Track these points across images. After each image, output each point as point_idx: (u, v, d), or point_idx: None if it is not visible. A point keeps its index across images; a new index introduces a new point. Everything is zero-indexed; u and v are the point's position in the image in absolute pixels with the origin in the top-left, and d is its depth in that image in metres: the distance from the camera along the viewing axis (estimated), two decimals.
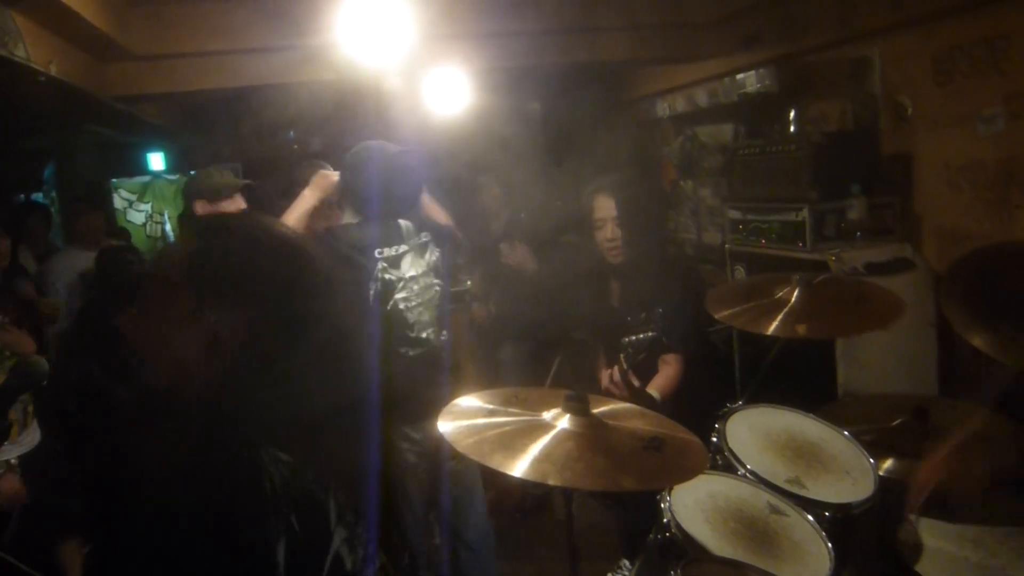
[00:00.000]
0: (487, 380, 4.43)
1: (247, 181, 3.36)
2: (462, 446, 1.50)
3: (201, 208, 3.30)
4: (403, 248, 3.04)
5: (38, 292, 4.45)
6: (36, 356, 3.18)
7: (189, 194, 3.42)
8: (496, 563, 3.98)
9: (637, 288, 3.17)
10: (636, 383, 2.72)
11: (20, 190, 7.44)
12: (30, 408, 3.45)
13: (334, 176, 3.04)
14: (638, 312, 2.84)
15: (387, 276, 2.98)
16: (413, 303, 3.01)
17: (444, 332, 3.11)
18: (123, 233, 7.04)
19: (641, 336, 2.58)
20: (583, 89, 6.00)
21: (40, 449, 3.48)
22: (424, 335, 3.03)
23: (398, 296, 2.98)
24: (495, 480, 4.47)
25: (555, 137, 5.95)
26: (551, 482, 1.39)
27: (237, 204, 3.39)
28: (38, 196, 7.48)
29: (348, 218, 3.08)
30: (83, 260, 4.45)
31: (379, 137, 3.33)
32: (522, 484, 4.41)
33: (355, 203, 3.03)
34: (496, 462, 1.43)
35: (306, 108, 5.67)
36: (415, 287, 3.02)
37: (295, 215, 3.02)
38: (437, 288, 3.10)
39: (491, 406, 1.66)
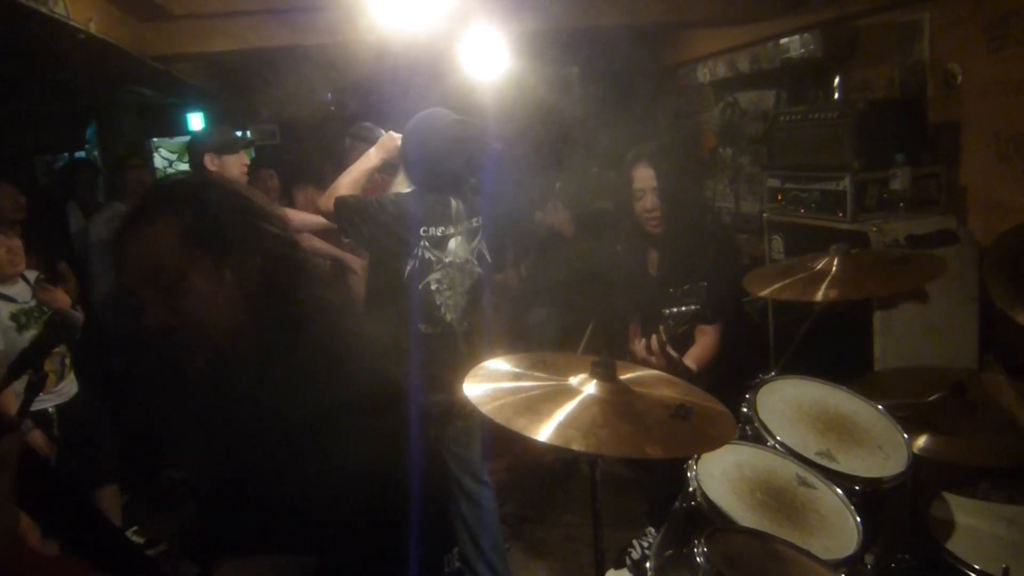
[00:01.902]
0: (516, 345, 4.44)
1: (251, 140, 3.52)
2: (486, 409, 1.50)
3: (209, 161, 3.42)
4: (450, 230, 2.92)
5: (83, 247, 4.54)
6: (70, 310, 3.26)
7: (197, 147, 3.53)
8: (526, 528, 4.03)
9: (676, 258, 3.14)
10: (674, 355, 2.69)
11: (64, 149, 7.58)
12: (68, 360, 3.54)
13: (399, 139, 3.01)
14: (677, 282, 2.80)
15: (427, 255, 2.89)
16: (444, 286, 2.94)
17: (470, 319, 3.04)
18: None
19: (683, 308, 2.54)
20: (623, 54, 5.89)
21: (77, 400, 3.58)
22: (447, 318, 2.96)
23: (432, 276, 2.90)
24: (525, 446, 4.50)
25: (594, 103, 5.87)
26: (575, 447, 1.38)
27: (242, 160, 3.52)
28: (81, 155, 7.60)
29: (401, 185, 3.01)
30: None
31: (418, 101, 3.31)
32: (550, 451, 4.47)
33: (408, 171, 2.96)
34: (520, 426, 1.42)
35: (343, 70, 5.66)
36: (451, 271, 2.93)
37: (356, 173, 3.02)
38: (476, 275, 3.02)
39: (518, 370, 1.65)
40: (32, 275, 3.53)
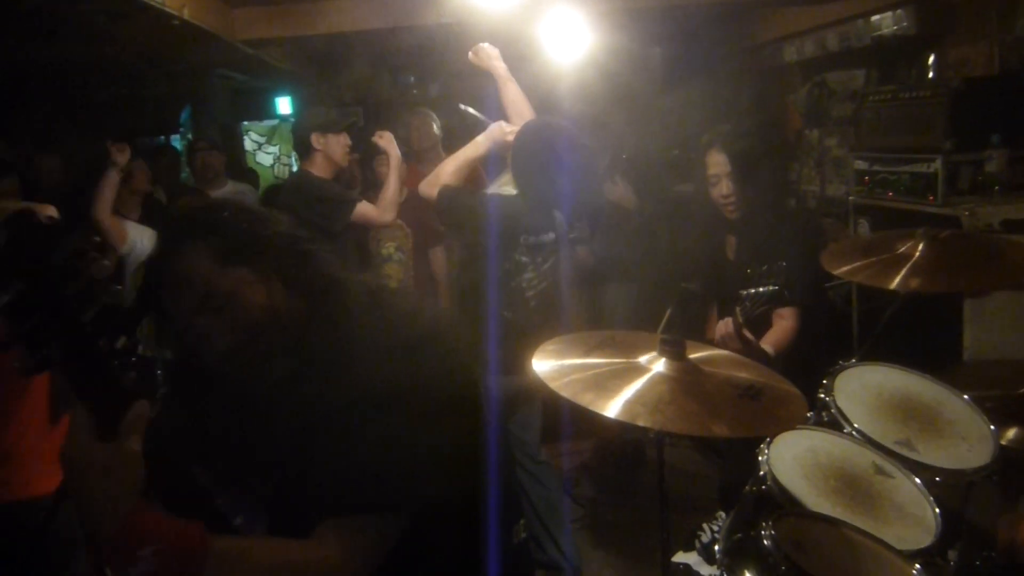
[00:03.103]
0: (590, 325, 4.44)
1: (353, 119, 3.60)
2: (555, 385, 1.51)
3: (316, 141, 3.49)
4: (549, 237, 2.89)
5: None
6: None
7: (304, 127, 3.62)
8: (598, 509, 4.04)
9: (754, 242, 3.08)
10: (750, 337, 2.64)
11: (160, 132, 7.90)
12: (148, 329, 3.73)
13: (511, 133, 2.97)
14: (756, 266, 2.74)
15: (522, 259, 2.87)
16: (535, 282, 2.92)
17: (551, 303, 3.03)
18: (251, 174, 7.36)
19: (761, 289, 2.48)
20: (707, 33, 5.78)
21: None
22: (531, 305, 2.95)
23: (524, 276, 2.88)
24: (605, 428, 4.50)
25: (676, 84, 5.78)
26: (640, 423, 1.39)
27: (344, 140, 3.59)
28: (175, 139, 7.91)
29: (506, 183, 2.97)
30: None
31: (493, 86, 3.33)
32: (620, 433, 4.45)
33: (517, 177, 2.90)
34: (587, 401, 1.43)
35: (425, 52, 5.73)
36: (544, 268, 2.92)
37: (460, 161, 2.99)
38: (560, 264, 2.99)
39: (586, 347, 1.66)
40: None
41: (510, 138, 2.95)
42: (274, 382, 1.27)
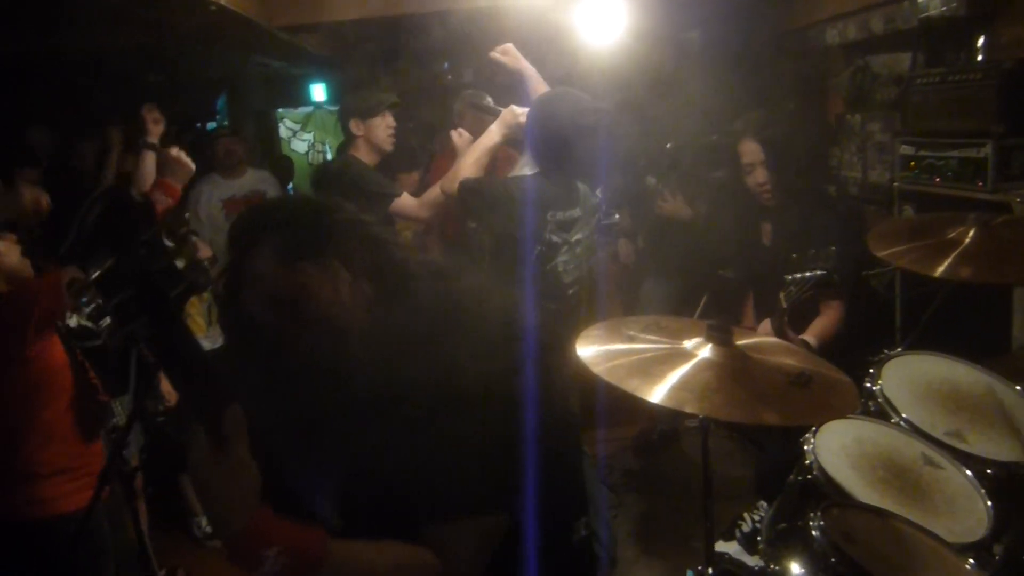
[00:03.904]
0: (628, 314, 4.39)
1: (395, 99, 3.50)
2: (599, 370, 1.48)
3: (355, 127, 3.44)
4: (576, 212, 2.84)
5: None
6: (203, 261, 3.46)
7: (343, 113, 3.56)
8: (631, 498, 4.01)
9: (791, 229, 3.03)
10: (792, 335, 2.57)
11: (196, 119, 7.97)
12: (213, 310, 3.77)
13: (523, 115, 2.91)
14: (799, 251, 2.67)
15: (553, 238, 2.81)
16: (571, 266, 2.88)
17: (589, 291, 3.00)
18: (286, 162, 7.40)
19: (808, 274, 2.42)
20: (746, 16, 5.67)
21: (218, 352, 3.79)
22: (571, 292, 2.91)
23: (559, 259, 2.83)
24: (636, 417, 4.48)
25: (713, 69, 5.69)
26: (688, 410, 1.36)
27: (388, 122, 3.52)
28: (211, 125, 7.98)
29: (524, 166, 2.91)
30: (224, 188, 4.57)
31: (535, 69, 3.28)
32: (656, 421, 4.42)
33: (535, 154, 2.83)
34: (632, 387, 1.40)
35: (459, 38, 5.69)
36: (577, 250, 2.87)
37: (478, 153, 2.94)
38: (596, 249, 2.96)
39: (631, 332, 1.63)
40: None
41: (523, 119, 2.90)
42: (349, 373, 1.27)
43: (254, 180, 4.72)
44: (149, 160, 3.54)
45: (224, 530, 1.04)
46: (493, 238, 3.13)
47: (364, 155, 3.51)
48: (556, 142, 2.73)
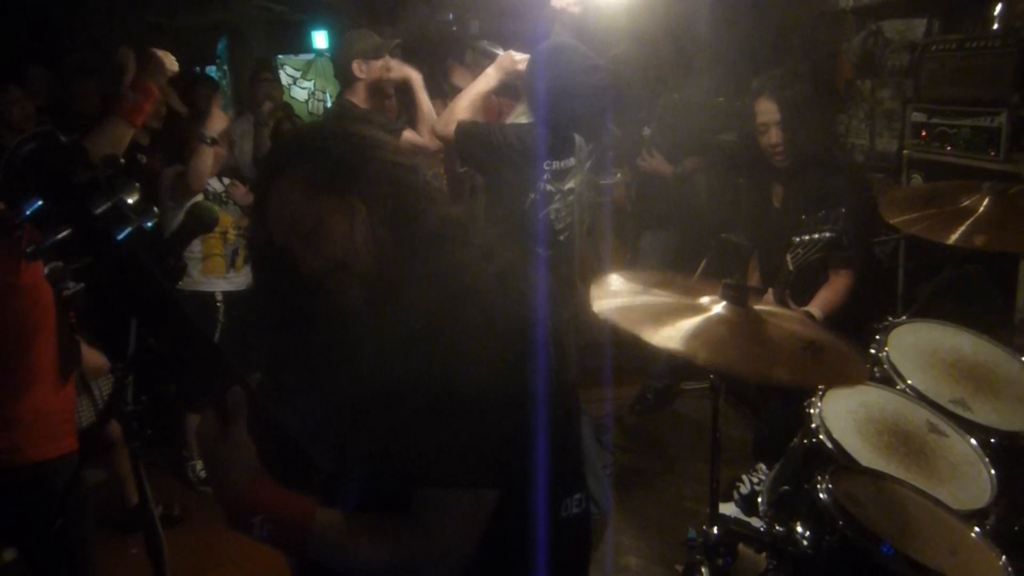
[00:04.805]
0: (626, 268, 4.38)
1: (397, 40, 3.45)
2: (610, 314, 1.46)
3: (357, 69, 3.37)
4: (571, 162, 2.85)
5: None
6: (211, 204, 3.45)
7: (346, 55, 3.45)
8: (627, 458, 4.03)
9: (803, 192, 2.99)
10: (793, 307, 2.55)
11: (196, 63, 7.84)
12: (241, 250, 3.75)
13: (521, 62, 2.90)
14: (810, 212, 2.65)
15: (548, 187, 2.82)
16: (564, 214, 2.88)
17: (584, 240, 2.99)
18: (286, 108, 7.30)
19: (817, 236, 2.39)
20: None
21: (246, 293, 3.80)
22: (561, 238, 2.92)
23: (552, 207, 2.84)
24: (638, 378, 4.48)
25: (722, 29, 5.60)
26: (699, 360, 1.34)
27: (388, 64, 3.45)
28: (211, 69, 7.85)
29: (521, 114, 2.91)
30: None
31: (539, 21, 3.21)
32: (649, 378, 4.42)
33: (532, 104, 2.82)
34: (645, 333, 1.37)
35: None
36: (570, 198, 2.88)
37: (473, 95, 2.93)
38: (590, 197, 2.97)
39: (644, 285, 1.60)
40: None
41: (521, 67, 2.88)
42: (350, 314, 1.27)
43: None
44: (207, 154, 3.49)
45: (221, 497, 1.14)
46: (486, 183, 3.11)
47: (362, 100, 3.45)
48: (554, 95, 2.72)
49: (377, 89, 3.47)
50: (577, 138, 2.84)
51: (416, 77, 3.52)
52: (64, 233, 0.98)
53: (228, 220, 3.82)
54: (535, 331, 1.22)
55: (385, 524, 1.18)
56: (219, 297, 3.76)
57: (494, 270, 1.27)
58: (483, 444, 1.15)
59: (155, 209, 1.13)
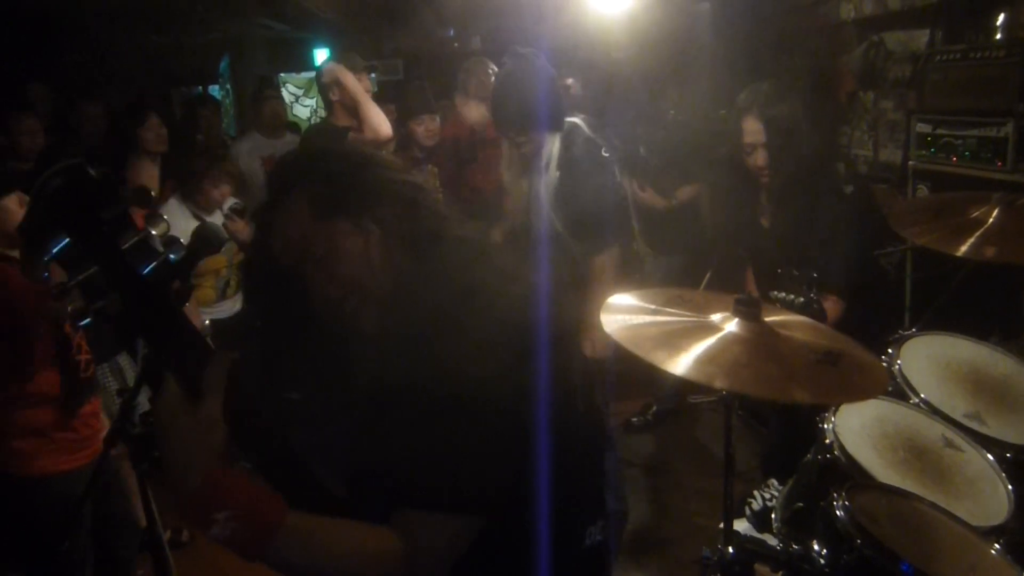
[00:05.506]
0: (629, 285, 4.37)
1: (372, 63, 3.61)
2: (622, 340, 1.44)
3: (331, 93, 3.55)
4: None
5: None
6: (218, 226, 3.41)
7: (320, 83, 3.62)
8: (633, 470, 4.00)
9: (791, 214, 2.93)
10: None
11: (199, 82, 7.87)
12: (232, 279, 3.73)
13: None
14: (792, 241, 2.60)
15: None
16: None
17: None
18: (290, 127, 7.32)
19: (792, 297, 2.33)
20: None
21: (235, 319, 3.77)
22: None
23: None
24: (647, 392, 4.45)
25: (724, 42, 5.60)
26: (717, 385, 1.32)
27: (365, 84, 3.56)
28: (214, 88, 7.87)
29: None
30: (265, 146, 4.64)
31: (535, 37, 3.24)
32: (654, 397, 4.40)
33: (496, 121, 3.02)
34: (658, 359, 1.36)
35: (466, 6, 5.60)
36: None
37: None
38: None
39: (653, 305, 1.58)
40: (228, 202, 3.66)
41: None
42: (361, 339, 1.22)
43: (294, 142, 4.77)
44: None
45: (179, 486, 1.00)
46: None
47: (343, 121, 3.57)
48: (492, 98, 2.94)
49: (348, 108, 3.57)
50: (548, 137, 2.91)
51: (348, 77, 3.57)
52: (90, 271, 0.96)
53: (222, 260, 3.73)
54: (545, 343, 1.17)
55: (356, 535, 1.10)
56: (206, 323, 3.69)
57: (518, 291, 1.22)
58: (476, 463, 1.10)
59: (181, 241, 1.11)
